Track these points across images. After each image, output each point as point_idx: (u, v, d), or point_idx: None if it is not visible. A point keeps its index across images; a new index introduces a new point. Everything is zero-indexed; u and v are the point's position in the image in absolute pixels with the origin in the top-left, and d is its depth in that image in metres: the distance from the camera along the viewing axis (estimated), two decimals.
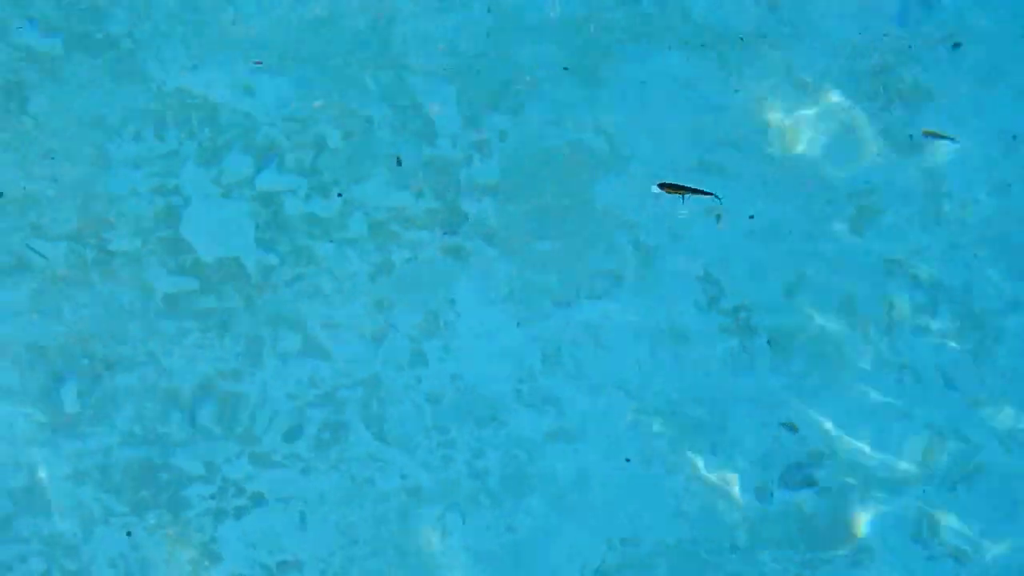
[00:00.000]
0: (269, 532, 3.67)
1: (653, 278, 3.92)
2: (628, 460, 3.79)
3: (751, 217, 3.96)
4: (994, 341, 3.92)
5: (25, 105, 3.91)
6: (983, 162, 4.07)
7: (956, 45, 4.15)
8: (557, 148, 4.01)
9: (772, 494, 3.79)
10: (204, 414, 3.73)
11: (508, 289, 3.89)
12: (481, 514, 3.73)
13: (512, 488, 3.75)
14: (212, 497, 3.68)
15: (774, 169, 4.04)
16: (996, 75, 4.14)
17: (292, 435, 3.74)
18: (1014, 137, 4.09)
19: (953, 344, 3.92)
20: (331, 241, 3.89)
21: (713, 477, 3.80)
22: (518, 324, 3.86)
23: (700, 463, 3.81)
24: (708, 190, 3.98)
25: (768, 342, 3.88)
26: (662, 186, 3.92)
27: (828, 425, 3.85)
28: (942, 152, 4.08)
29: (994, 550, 3.79)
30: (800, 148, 4.06)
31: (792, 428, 3.82)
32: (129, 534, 3.64)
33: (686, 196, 3.93)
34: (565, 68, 4.06)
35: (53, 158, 3.87)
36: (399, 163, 3.92)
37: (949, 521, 3.81)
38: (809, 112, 4.09)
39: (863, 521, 3.80)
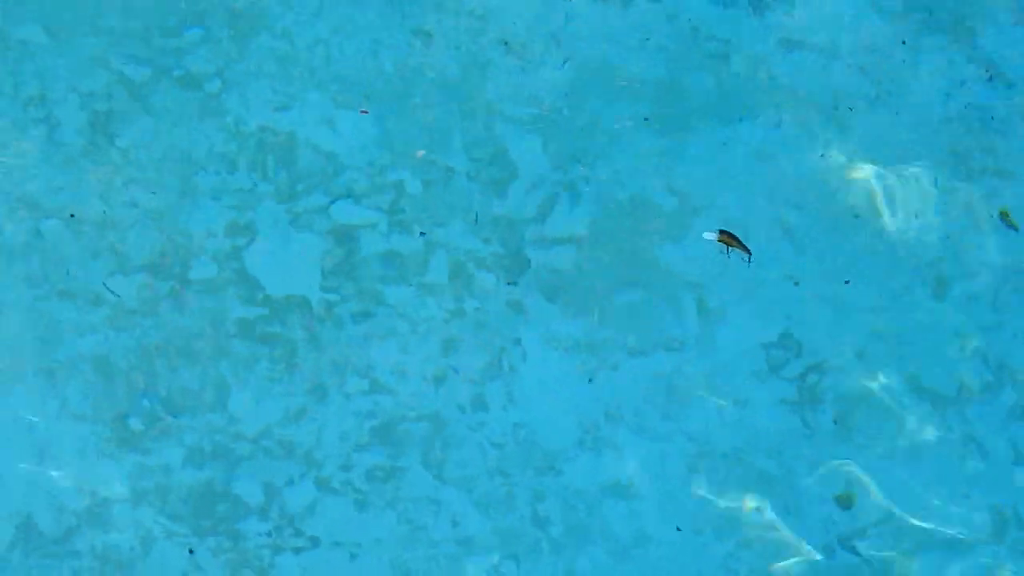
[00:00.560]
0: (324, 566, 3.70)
1: (720, 338, 3.93)
2: (679, 529, 3.78)
3: (847, 282, 3.96)
4: None
5: (113, 137, 4.00)
6: None
7: None
8: (633, 202, 4.04)
9: (829, 558, 3.77)
10: (267, 443, 3.77)
11: (574, 341, 3.91)
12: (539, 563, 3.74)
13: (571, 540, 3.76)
14: (268, 534, 3.70)
15: (851, 236, 4.05)
16: None
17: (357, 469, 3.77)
18: None
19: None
20: (409, 284, 3.93)
21: (769, 540, 3.78)
22: (583, 376, 3.88)
23: (757, 525, 3.79)
24: (780, 253, 4.00)
25: (833, 419, 3.88)
26: (720, 233, 3.95)
27: (886, 494, 3.83)
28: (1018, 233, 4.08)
29: None
30: (881, 217, 4.07)
31: (848, 501, 3.80)
32: (191, 551, 3.67)
33: (730, 249, 3.95)
34: (646, 119, 4.10)
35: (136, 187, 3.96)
36: (476, 220, 3.96)
37: None
38: (891, 181, 4.09)
39: None
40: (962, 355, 3.95)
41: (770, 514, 3.80)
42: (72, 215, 3.89)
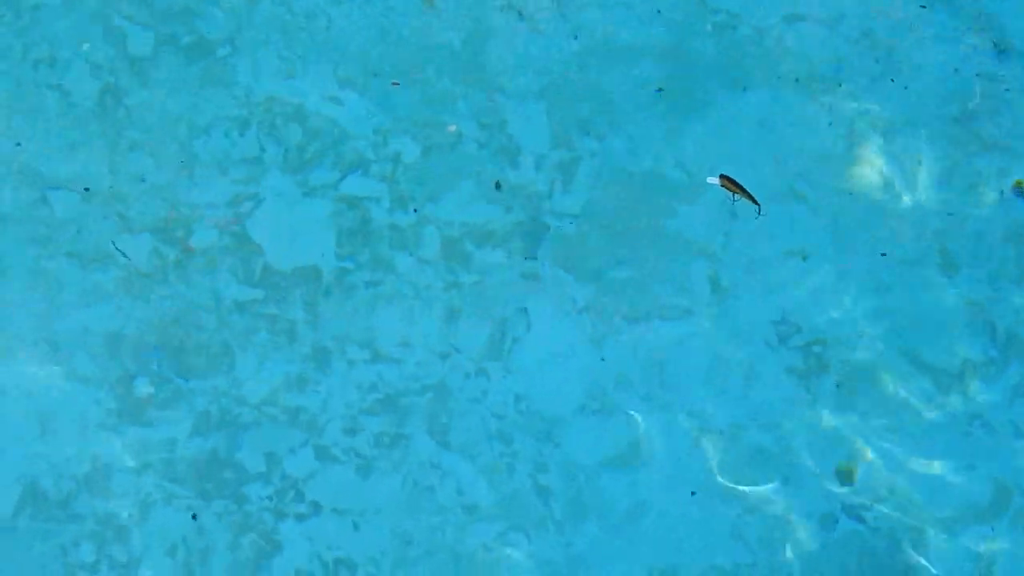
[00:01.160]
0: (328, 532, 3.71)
1: (726, 309, 3.93)
2: (693, 493, 3.78)
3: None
4: None
5: (119, 103, 4.00)
6: None
7: None
8: (640, 172, 4.04)
9: (831, 527, 3.77)
10: (271, 410, 3.77)
11: (582, 310, 3.91)
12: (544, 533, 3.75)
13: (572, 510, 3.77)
14: (270, 498, 3.71)
15: (856, 207, 4.04)
16: None
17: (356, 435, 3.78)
18: None
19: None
20: (410, 255, 3.93)
21: (771, 507, 3.78)
22: (590, 344, 3.88)
23: (759, 492, 3.79)
24: (789, 220, 3.99)
25: (836, 384, 3.88)
26: (722, 177, 3.94)
27: (889, 465, 3.83)
28: None
29: None
30: (886, 188, 4.06)
31: (850, 474, 3.80)
32: (195, 517, 3.68)
33: (736, 197, 3.93)
34: (659, 89, 4.09)
35: (141, 155, 3.95)
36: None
37: (1008, 572, 3.76)
38: (898, 153, 4.08)
39: (920, 564, 3.76)
40: (968, 330, 3.94)
41: (776, 484, 3.80)
42: (87, 188, 3.89)
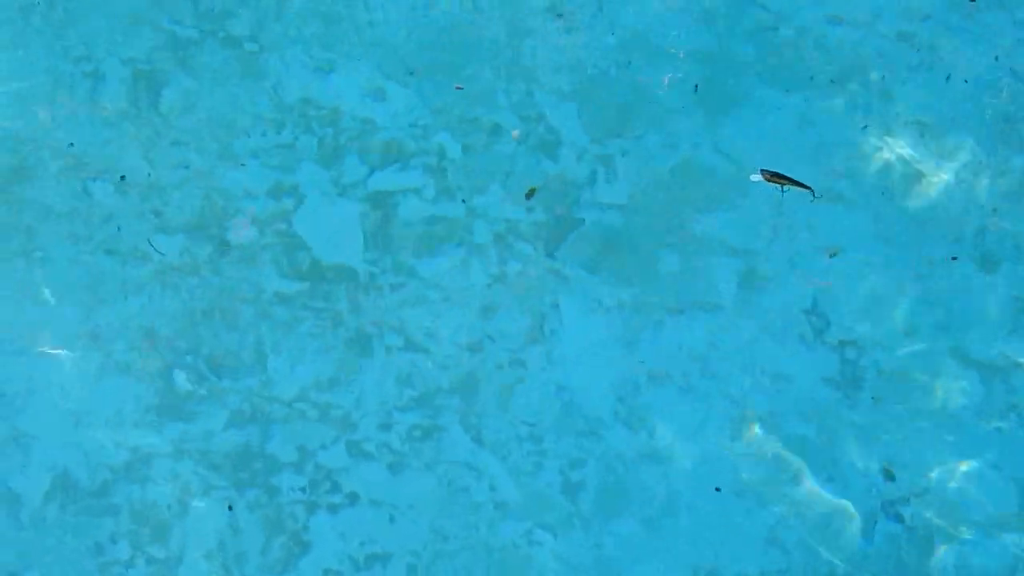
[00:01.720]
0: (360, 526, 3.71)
1: (764, 304, 3.90)
2: (718, 489, 3.75)
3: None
4: None
5: (158, 97, 4.01)
6: None
7: None
8: (678, 169, 4.02)
9: (870, 528, 3.73)
10: (303, 406, 3.77)
11: (617, 305, 3.89)
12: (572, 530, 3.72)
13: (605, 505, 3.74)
14: (303, 490, 3.71)
15: (895, 204, 4.01)
16: None
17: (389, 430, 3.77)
18: None
19: None
20: (447, 250, 3.92)
21: (808, 508, 3.75)
22: (624, 339, 3.86)
23: (796, 493, 3.76)
24: (828, 217, 3.96)
25: (875, 381, 3.84)
26: (764, 172, 3.91)
27: (928, 464, 3.79)
28: None
29: None
30: (921, 189, 4.02)
31: (889, 474, 3.76)
32: (231, 508, 3.68)
33: (786, 188, 3.90)
34: (696, 87, 4.07)
35: (179, 149, 3.97)
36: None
37: None
38: (936, 150, 4.05)
39: (957, 564, 3.72)
40: (1010, 326, 3.90)
41: (812, 481, 3.76)
42: (122, 177, 3.91)
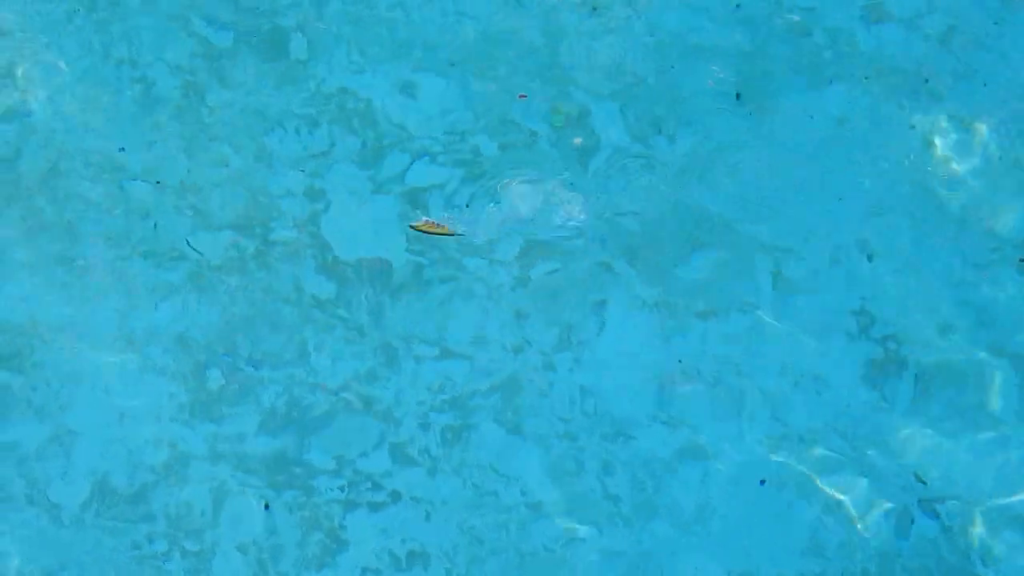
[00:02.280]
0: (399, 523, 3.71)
1: (801, 305, 3.88)
2: (763, 482, 3.73)
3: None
4: None
5: (203, 98, 4.03)
6: None
7: None
8: (713, 169, 4.01)
9: (906, 529, 3.71)
10: (343, 403, 3.78)
11: (654, 306, 3.88)
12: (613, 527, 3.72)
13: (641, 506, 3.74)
14: (341, 489, 3.71)
15: (934, 204, 3.98)
16: None
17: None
18: None
19: None
20: (485, 249, 3.92)
21: (847, 508, 3.73)
22: (661, 339, 3.85)
23: (833, 494, 3.74)
24: (864, 223, 3.95)
25: (914, 381, 3.82)
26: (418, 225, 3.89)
27: (967, 464, 3.77)
28: None
29: None
30: (963, 186, 4.00)
31: (921, 478, 3.74)
32: (267, 506, 3.69)
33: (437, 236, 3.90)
34: (738, 95, 4.07)
35: (220, 150, 3.99)
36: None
37: None
38: (977, 150, 4.02)
39: (993, 565, 3.70)
40: None
41: (852, 483, 3.74)
42: (158, 182, 3.93)
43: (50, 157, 3.95)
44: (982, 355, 3.85)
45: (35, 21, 4.09)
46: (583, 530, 3.69)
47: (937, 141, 4.04)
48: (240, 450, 3.71)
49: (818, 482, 3.74)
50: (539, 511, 3.70)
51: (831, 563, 3.69)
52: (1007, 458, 3.78)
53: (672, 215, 3.96)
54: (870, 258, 3.93)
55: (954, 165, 4.03)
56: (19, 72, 4.03)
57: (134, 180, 3.93)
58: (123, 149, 3.94)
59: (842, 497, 3.73)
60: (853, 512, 3.72)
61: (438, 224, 3.87)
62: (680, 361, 3.82)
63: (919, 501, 3.73)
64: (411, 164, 3.99)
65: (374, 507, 3.69)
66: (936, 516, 3.72)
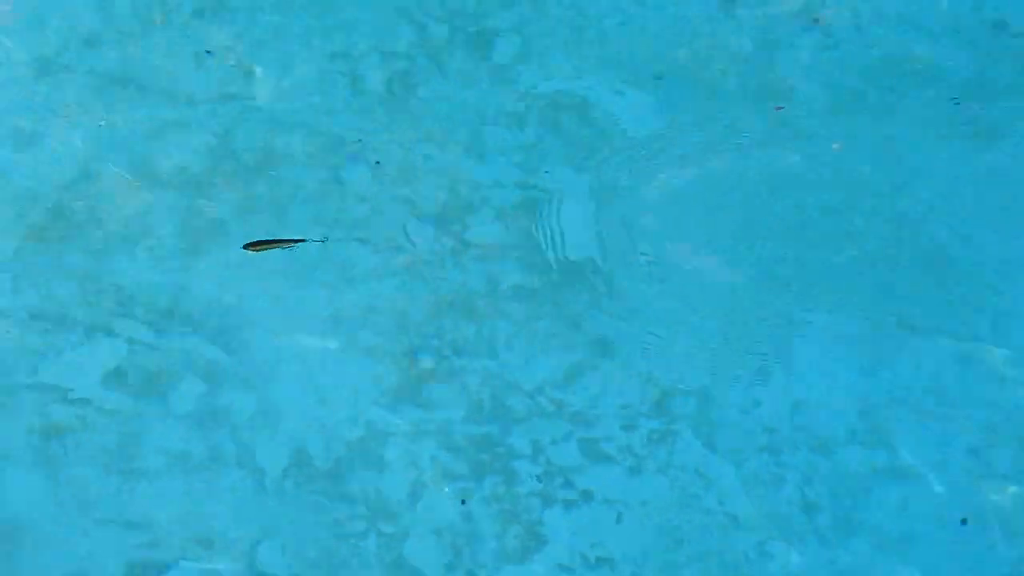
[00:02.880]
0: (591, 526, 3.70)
1: (1013, 334, 3.81)
2: (964, 522, 3.66)
3: None
4: None
5: (414, 92, 4.09)
6: None
7: None
8: (929, 194, 3.96)
9: None
10: (541, 400, 3.79)
11: (860, 321, 3.84)
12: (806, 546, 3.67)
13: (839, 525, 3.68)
14: (539, 479, 3.72)
15: None
16: None
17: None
18: None
19: None
20: (691, 254, 3.92)
21: None
22: (865, 358, 3.80)
23: None
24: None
25: None
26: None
27: None
28: None
29: None
30: None
31: None
32: (463, 502, 3.71)
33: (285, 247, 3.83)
34: (956, 103, 4.01)
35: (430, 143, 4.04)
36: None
37: None
38: None
39: None
40: None
41: None
42: (377, 162, 3.99)
43: (267, 140, 4.03)
44: None
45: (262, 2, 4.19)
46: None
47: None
48: (442, 436, 3.74)
49: None
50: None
51: None
52: None
53: (881, 229, 3.91)
54: None
55: None
56: (241, 55, 4.13)
57: (348, 165, 3.99)
58: (359, 140, 4.00)
59: None
60: None
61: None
62: (884, 382, 3.77)
63: None
64: (619, 167, 3.99)
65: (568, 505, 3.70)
66: None
